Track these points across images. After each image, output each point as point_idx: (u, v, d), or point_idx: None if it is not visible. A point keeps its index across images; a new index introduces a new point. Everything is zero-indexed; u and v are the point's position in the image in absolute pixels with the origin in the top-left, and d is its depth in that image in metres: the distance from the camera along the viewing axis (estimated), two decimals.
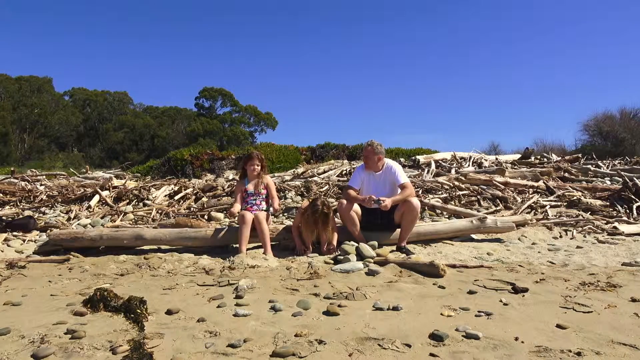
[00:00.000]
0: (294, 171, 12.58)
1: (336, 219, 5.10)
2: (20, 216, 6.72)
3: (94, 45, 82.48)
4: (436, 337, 2.35)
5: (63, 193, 8.47)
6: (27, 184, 9.49)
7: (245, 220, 4.63)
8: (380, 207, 4.57)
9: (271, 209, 4.95)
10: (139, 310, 2.74)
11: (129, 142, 44.29)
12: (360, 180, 4.97)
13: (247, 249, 4.60)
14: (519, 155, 13.20)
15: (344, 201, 4.80)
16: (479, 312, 2.79)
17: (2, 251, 5.08)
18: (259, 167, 4.96)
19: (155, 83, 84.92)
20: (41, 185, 9.62)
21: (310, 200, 4.98)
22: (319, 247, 4.70)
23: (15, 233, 5.87)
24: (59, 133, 41.23)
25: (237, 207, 4.84)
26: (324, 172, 11.32)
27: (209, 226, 5.63)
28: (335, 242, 4.69)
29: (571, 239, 5.55)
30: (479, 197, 7.55)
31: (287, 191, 8.33)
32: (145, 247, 4.93)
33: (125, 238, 4.76)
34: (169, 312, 2.82)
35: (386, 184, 4.90)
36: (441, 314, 2.77)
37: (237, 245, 4.65)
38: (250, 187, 4.97)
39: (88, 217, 6.94)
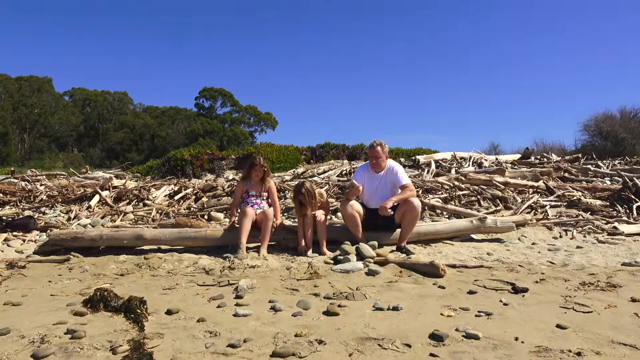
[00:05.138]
0: (294, 171, 12.59)
1: (335, 218, 5.09)
2: (20, 216, 6.72)
3: (94, 45, 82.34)
4: (436, 337, 2.35)
5: (63, 193, 8.47)
6: (27, 184, 9.48)
7: (247, 213, 4.66)
8: (380, 212, 4.58)
9: (273, 218, 4.96)
10: (139, 310, 2.75)
11: (129, 142, 44.26)
12: (362, 179, 4.98)
13: (248, 249, 4.60)
14: (519, 155, 13.20)
15: (347, 201, 4.79)
16: (479, 312, 2.79)
17: (2, 251, 5.08)
18: (262, 174, 5.00)
19: (155, 83, 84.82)
20: (41, 185, 9.62)
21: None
22: (319, 247, 4.70)
23: (15, 233, 5.87)
24: (59, 133, 41.23)
25: (233, 219, 4.92)
26: (324, 172, 11.32)
27: (209, 226, 5.63)
28: (325, 218, 4.78)
29: (571, 239, 5.55)
30: (479, 197, 7.55)
31: (287, 191, 8.32)
32: (145, 247, 4.93)
33: (125, 238, 4.76)
34: (169, 312, 2.82)
35: (387, 184, 4.90)
36: (441, 314, 2.77)
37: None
38: (251, 189, 5.03)
39: (88, 217, 6.94)
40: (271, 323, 2.63)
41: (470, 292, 3.26)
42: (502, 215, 6.23)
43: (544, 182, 8.36)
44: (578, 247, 5.07)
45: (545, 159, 12.39)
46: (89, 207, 7.63)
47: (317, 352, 2.21)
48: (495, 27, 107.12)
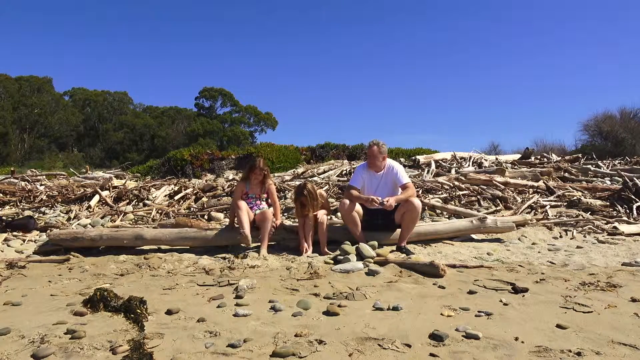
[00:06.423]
0: (294, 171, 12.58)
1: (335, 218, 5.09)
2: (20, 216, 6.72)
3: (94, 45, 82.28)
4: (436, 337, 2.35)
5: (63, 193, 8.47)
6: (27, 184, 9.48)
7: (241, 206, 4.72)
8: (384, 206, 4.57)
9: (273, 218, 4.97)
10: (139, 310, 2.75)
11: (128, 142, 44.24)
12: (362, 180, 4.97)
13: (249, 249, 4.60)
14: (519, 155, 13.19)
15: (346, 201, 4.78)
16: (479, 312, 2.79)
17: (2, 251, 5.09)
18: (262, 177, 5.01)
19: (155, 83, 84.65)
20: (41, 185, 9.62)
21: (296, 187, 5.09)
22: (319, 247, 4.70)
23: (15, 233, 5.87)
24: (59, 133, 41.20)
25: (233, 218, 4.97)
26: (324, 172, 11.32)
27: (209, 226, 5.63)
28: (326, 219, 4.76)
29: (571, 239, 5.55)
30: (479, 197, 7.55)
31: (287, 191, 8.33)
32: (145, 247, 4.93)
33: (125, 238, 4.76)
34: (169, 312, 2.82)
35: (387, 184, 4.90)
36: (441, 314, 2.77)
37: (238, 240, 4.70)
38: (251, 191, 5.03)
39: (88, 217, 6.94)
40: (271, 323, 2.63)
41: (470, 292, 3.26)
42: (502, 215, 6.23)
43: (544, 182, 8.36)
44: (578, 247, 5.07)
45: (545, 159, 12.39)
46: (89, 207, 7.63)
47: (317, 352, 2.21)
48: (495, 27, 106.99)
